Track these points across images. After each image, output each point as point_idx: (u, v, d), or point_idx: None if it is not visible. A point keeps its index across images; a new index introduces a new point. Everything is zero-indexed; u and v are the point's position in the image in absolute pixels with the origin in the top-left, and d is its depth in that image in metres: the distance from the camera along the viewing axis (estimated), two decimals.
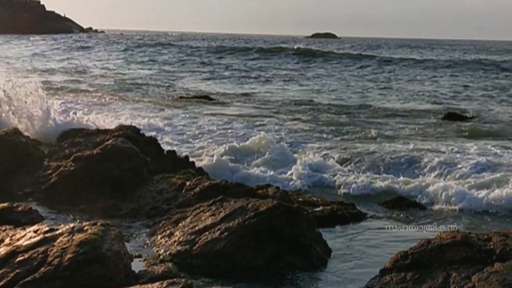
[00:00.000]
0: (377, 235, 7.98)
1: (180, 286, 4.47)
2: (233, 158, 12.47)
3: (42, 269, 4.84)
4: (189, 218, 7.08)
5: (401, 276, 5.27)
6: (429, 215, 9.56)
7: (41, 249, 5.06)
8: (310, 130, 17.62)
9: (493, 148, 14.48)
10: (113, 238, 5.24)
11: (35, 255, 4.98)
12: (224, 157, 12.42)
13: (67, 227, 5.35)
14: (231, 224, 6.48)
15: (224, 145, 13.91)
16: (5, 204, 6.95)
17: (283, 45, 75.35)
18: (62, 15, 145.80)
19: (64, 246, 5.02)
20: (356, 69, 46.00)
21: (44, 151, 10.31)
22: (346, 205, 9.18)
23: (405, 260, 5.40)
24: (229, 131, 16.99)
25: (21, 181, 9.13)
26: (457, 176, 11.79)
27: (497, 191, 10.15)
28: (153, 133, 13.44)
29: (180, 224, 7.02)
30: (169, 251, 6.46)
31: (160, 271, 5.34)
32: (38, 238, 5.22)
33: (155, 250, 6.61)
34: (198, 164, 11.14)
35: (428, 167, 12.43)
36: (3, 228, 5.80)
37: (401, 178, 11.54)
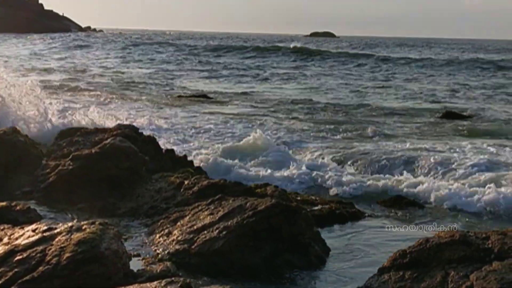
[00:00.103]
0: (375, 234, 7.99)
1: (179, 285, 4.47)
2: (231, 157, 12.47)
3: (41, 268, 4.84)
4: (188, 217, 7.08)
5: (399, 274, 5.28)
6: (428, 214, 9.57)
7: (40, 248, 5.05)
8: (308, 129, 17.63)
9: (491, 147, 14.49)
10: (112, 237, 5.24)
11: (34, 254, 4.98)
12: (222, 156, 12.42)
13: (66, 226, 5.35)
14: (229, 223, 6.48)
15: (222, 144, 13.92)
16: (4, 203, 6.95)
17: (280, 44, 75.20)
18: (61, 14, 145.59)
19: (62, 245, 5.02)
20: (354, 67, 46.02)
21: (42, 150, 10.30)
22: (345, 204, 9.19)
23: (404, 258, 5.41)
24: (227, 130, 16.99)
25: (19, 180, 9.12)
26: (455, 175, 11.79)
27: (495, 190, 10.15)
28: (151, 132, 13.41)
29: (179, 223, 7.01)
30: (167, 250, 6.46)
31: (158, 270, 5.34)
32: (36, 237, 5.22)
33: (153, 249, 6.61)
34: (196, 163, 11.14)
35: (426, 166, 12.43)
36: (1, 227, 5.80)
37: (399, 177, 11.54)
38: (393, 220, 9.01)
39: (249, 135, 13.96)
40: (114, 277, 4.95)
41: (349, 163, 13.01)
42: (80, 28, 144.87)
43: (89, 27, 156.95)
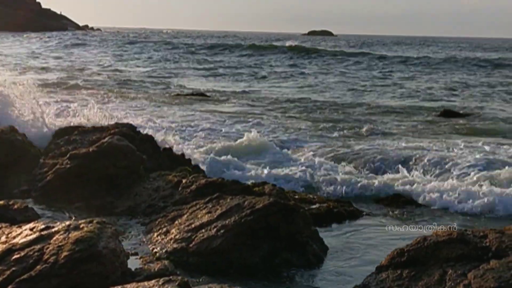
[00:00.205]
0: (373, 232, 8.00)
1: (176, 283, 4.46)
2: (229, 155, 12.46)
3: (38, 267, 4.84)
4: (186, 216, 7.08)
5: (397, 273, 5.28)
6: (425, 213, 9.57)
7: (37, 247, 5.05)
8: (305, 128, 17.62)
9: (488, 146, 14.49)
10: (109, 236, 5.24)
11: (31, 253, 4.98)
12: (219, 155, 12.40)
13: (63, 225, 5.35)
14: (227, 221, 6.48)
15: (219, 143, 13.91)
16: (1, 202, 6.95)
17: (276, 43, 75.11)
18: (58, 12, 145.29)
19: (60, 244, 5.02)
20: (351, 65, 46.01)
21: (40, 149, 10.29)
22: (343, 203, 9.19)
23: (401, 257, 5.41)
24: (225, 128, 16.99)
25: (17, 179, 9.12)
26: (453, 173, 11.79)
27: (493, 188, 10.16)
28: (149, 131, 13.38)
29: (177, 222, 7.01)
30: (165, 249, 6.46)
31: (156, 269, 5.34)
32: (34, 236, 5.22)
33: (151, 248, 6.61)
34: (194, 161, 11.13)
35: (423, 165, 12.43)
36: None
37: (397, 175, 11.53)
38: (391, 218, 9.02)
39: (247, 133, 13.96)
40: (112, 276, 4.95)
41: (346, 161, 13.01)
42: (77, 27, 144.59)
43: (86, 26, 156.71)
